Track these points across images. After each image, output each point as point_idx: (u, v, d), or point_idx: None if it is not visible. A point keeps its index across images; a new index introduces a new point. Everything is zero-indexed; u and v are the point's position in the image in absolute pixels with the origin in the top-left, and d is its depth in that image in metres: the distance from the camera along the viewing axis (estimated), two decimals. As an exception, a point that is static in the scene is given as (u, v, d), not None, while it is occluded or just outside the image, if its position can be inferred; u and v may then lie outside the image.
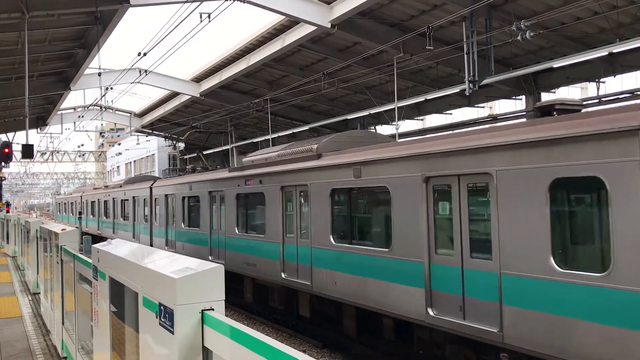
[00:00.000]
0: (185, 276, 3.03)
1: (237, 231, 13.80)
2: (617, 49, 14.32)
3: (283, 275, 11.64)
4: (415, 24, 17.34)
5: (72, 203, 39.84)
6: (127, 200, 23.69)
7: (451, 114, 25.15)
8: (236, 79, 25.81)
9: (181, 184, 17.56)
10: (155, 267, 3.52)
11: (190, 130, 23.03)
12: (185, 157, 44.71)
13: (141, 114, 38.73)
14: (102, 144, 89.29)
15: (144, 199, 21.24)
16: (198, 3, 13.24)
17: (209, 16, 12.30)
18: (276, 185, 11.98)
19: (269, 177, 12.33)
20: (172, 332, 3.06)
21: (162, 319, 3.23)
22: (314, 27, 18.00)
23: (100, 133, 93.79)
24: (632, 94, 16.89)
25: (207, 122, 32.99)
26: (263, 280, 12.78)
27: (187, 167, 21.07)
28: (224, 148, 37.69)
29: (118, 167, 72.98)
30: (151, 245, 19.42)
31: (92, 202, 31.43)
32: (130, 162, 66.12)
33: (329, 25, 17.41)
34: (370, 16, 17.70)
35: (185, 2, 13.56)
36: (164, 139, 44.24)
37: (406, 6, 17.06)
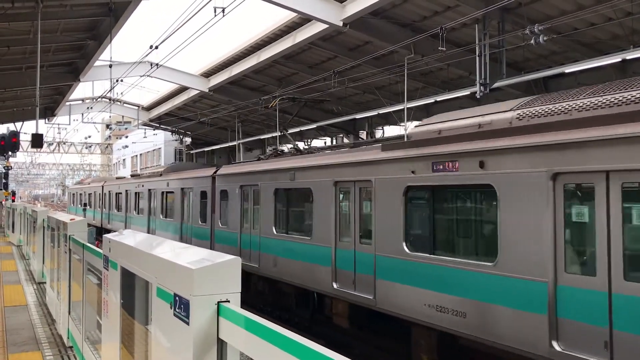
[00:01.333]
0: (203, 267, 3.03)
1: (406, 249, 8.59)
2: (631, 55, 14.23)
3: (558, 348, 6.38)
4: (427, 25, 17.29)
5: (90, 194, 35.07)
6: (172, 192, 19.09)
7: (460, 116, 25.06)
8: (246, 75, 25.81)
9: (273, 170, 12.57)
10: (171, 257, 3.52)
11: (289, 96, 18.17)
12: (192, 151, 44.78)
13: (149, 108, 38.79)
14: (109, 136, 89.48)
15: (202, 192, 16.69)
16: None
17: (223, 10, 12.30)
18: (539, 171, 6.66)
19: (506, 159, 7.06)
20: (188, 323, 3.06)
21: (177, 310, 3.23)
22: (326, 25, 17.98)
23: (107, 125, 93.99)
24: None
25: (215, 118, 33.02)
26: (480, 340, 7.39)
27: (270, 148, 16.79)
28: (231, 144, 37.72)
29: (124, 160, 73.14)
30: None
31: (118, 194, 26.96)
32: (137, 155, 66.28)
33: (340, 24, 17.38)
34: (382, 16, 17.66)
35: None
36: (170, 133, 44.30)
37: (419, 7, 17.02)
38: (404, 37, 17.59)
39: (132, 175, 28.46)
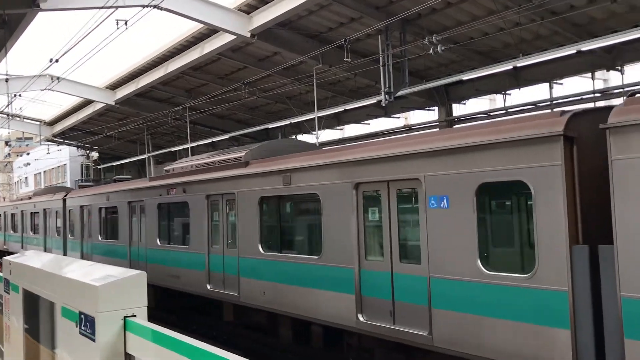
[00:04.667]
0: (107, 283, 3.05)
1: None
2: (521, 63, 15.29)
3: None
4: (334, 36, 17.73)
5: (33, 214, 24.23)
6: (308, 198, 9.81)
7: (369, 124, 25.83)
8: (153, 87, 25.31)
9: None
10: (76, 276, 3.50)
11: None
12: (99, 167, 43.19)
13: (51, 123, 37.07)
14: (9, 154, 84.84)
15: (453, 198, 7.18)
16: (113, 10, 12.96)
17: (125, 23, 12.08)
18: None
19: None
20: (94, 340, 3.07)
21: (83, 328, 3.22)
22: (234, 37, 18.01)
23: (6, 142, 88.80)
24: (535, 105, 18.04)
25: (123, 131, 32.09)
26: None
27: None
28: (140, 157, 36.75)
29: (26, 178, 69.30)
30: None
31: (105, 212, 17.65)
32: (40, 173, 63.01)
33: (248, 35, 17.48)
34: (289, 27, 17.93)
35: (100, 8, 13.24)
36: (76, 148, 42.52)
37: (324, 18, 17.42)
38: (312, 48, 17.94)
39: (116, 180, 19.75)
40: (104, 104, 28.30)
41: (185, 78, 24.12)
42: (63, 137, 38.37)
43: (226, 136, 29.36)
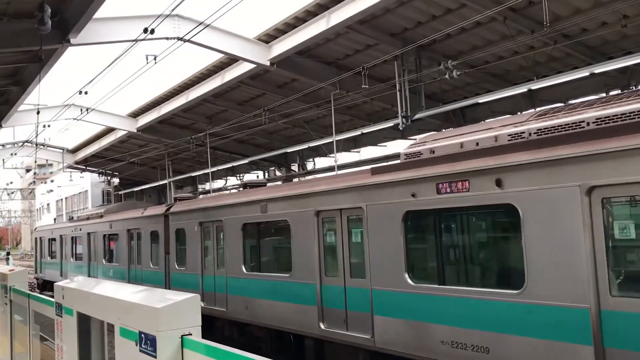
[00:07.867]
0: (168, 305, 3.41)
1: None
2: (535, 86, 15.59)
3: None
4: (350, 62, 18.20)
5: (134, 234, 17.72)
6: None
7: (386, 146, 26.22)
8: (174, 114, 25.96)
9: None
10: (134, 299, 3.86)
11: None
12: (120, 192, 43.96)
13: (74, 150, 37.99)
14: (34, 181, 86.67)
15: None
16: (137, 43, 13.53)
17: (155, 58, 12.64)
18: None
19: None
20: (155, 357, 3.41)
21: (143, 346, 3.57)
22: (254, 65, 18.57)
23: (27, 170, 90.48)
24: (550, 126, 18.26)
25: (144, 157, 32.79)
26: None
27: None
28: (161, 183, 37.40)
29: (48, 204, 70.51)
30: None
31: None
32: (62, 199, 64.11)
33: (268, 64, 18.02)
34: (307, 55, 18.46)
35: (126, 41, 13.85)
36: (97, 175, 43.42)
37: (341, 46, 17.91)
38: (329, 74, 18.43)
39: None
40: (126, 131, 29.03)
41: (205, 105, 24.73)
42: (85, 164, 39.26)
43: (246, 160, 29.89)
